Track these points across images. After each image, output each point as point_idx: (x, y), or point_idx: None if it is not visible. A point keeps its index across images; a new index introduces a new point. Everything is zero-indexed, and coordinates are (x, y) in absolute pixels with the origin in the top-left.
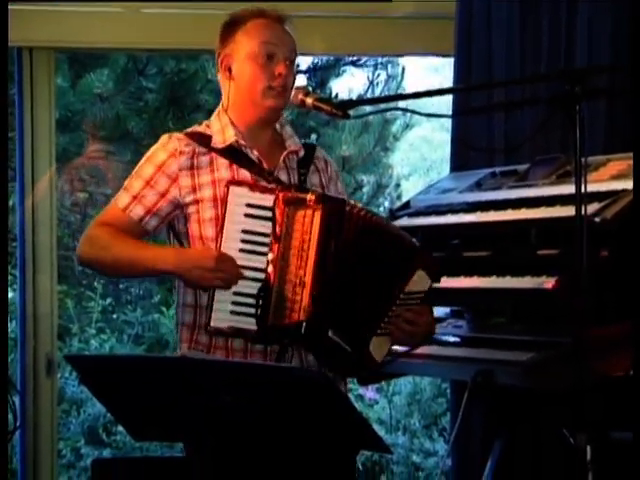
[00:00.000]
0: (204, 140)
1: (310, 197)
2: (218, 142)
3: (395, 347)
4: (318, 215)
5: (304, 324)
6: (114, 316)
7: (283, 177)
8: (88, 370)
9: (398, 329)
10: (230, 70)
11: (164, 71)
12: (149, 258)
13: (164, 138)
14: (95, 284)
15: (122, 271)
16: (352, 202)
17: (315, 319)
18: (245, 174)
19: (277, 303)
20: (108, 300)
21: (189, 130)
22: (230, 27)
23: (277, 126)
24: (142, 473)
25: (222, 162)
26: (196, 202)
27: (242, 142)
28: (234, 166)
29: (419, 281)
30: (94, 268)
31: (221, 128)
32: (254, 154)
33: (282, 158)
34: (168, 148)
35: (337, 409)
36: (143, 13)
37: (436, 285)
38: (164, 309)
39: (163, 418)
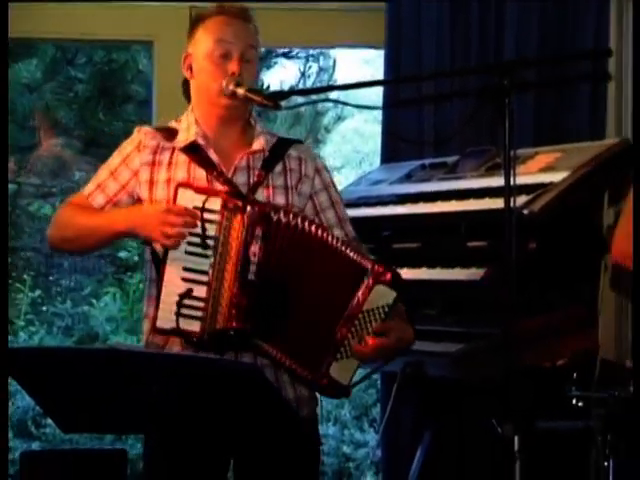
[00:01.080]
0: (170, 136)
1: (226, 203)
2: (181, 139)
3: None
4: (240, 222)
5: (237, 331)
6: (44, 308)
7: (243, 178)
8: (16, 362)
9: (363, 350)
10: (192, 69)
11: (94, 61)
12: (105, 223)
13: (135, 130)
14: (24, 276)
15: (86, 243)
16: (292, 210)
17: (245, 329)
18: (202, 174)
19: (218, 307)
20: (37, 292)
21: (161, 124)
22: (193, 25)
23: (252, 122)
24: (71, 465)
25: (182, 160)
26: (151, 200)
27: (201, 142)
28: (192, 165)
29: (380, 296)
30: (63, 248)
31: (187, 126)
32: (213, 154)
33: (241, 159)
34: (134, 141)
35: (268, 400)
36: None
37: None
38: (94, 301)
39: (93, 410)
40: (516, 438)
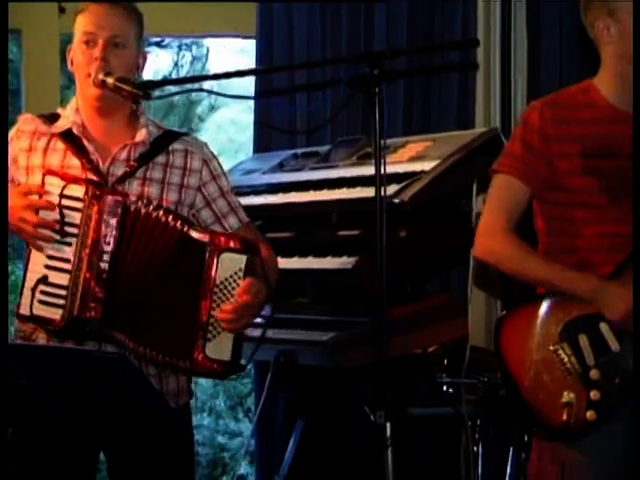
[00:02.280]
0: (49, 121)
1: (88, 192)
2: (59, 125)
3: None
4: (97, 211)
5: (89, 321)
6: None
7: (120, 170)
8: None
9: (231, 322)
10: (72, 61)
11: None
12: None
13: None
14: None
15: None
16: (152, 202)
17: (97, 319)
18: (77, 163)
19: (76, 296)
20: None
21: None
22: (74, 20)
23: (138, 114)
24: None
25: (60, 147)
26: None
27: (75, 131)
28: (68, 153)
29: (229, 264)
30: None
31: (68, 113)
32: (87, 144)
33: (120, 150)
34: (14, 128)
35: (138, 389)
36: None
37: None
38: None
39: None
40: (388, 425)
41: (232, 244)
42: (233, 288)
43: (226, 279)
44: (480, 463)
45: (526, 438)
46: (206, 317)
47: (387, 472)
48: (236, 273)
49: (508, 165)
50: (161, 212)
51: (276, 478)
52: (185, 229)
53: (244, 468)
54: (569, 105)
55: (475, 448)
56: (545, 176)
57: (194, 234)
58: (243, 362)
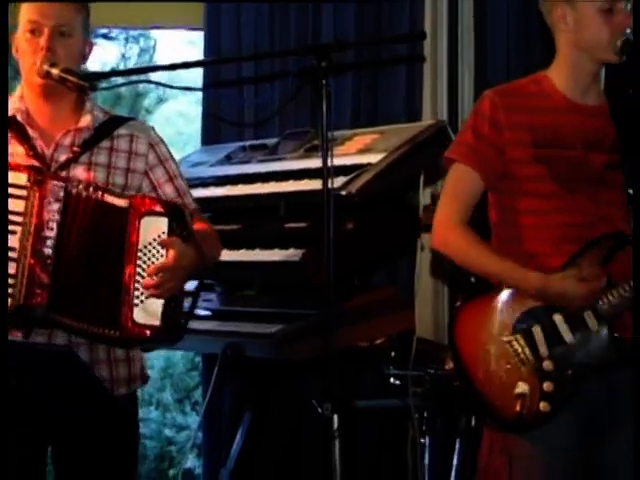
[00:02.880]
0: None
1: (30, 179)
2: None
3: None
4: (39, 197)
5: (34, 307)
6: None
7: (63, 156)
8: None
9: (153, 286)
10: (17, 48)
11: None
12: None
13: None
14: None
15: None
16: (94, 185)
17: (42, 305)
18: (21, 150)
19: (24, 282)
20: None
21: None
22: (18, 10)
23: (84, 99)
24: None
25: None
26: None
27: (19, 118)
28: (13, 141)
29: (153, 228)
30: None
31: (14, 100)
32: (31, 131)
33: (64, 136)
34: None
35: (80, 382)
36: None
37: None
38: None
39: None
40: (335, 417)
41: (153, 207)
42: (158, 252)
43: (150, 243)
44: (427, 455)
45: (473, 429)
46: (131, 283)
47: (334, 464)
48: (159, 236)
49: (459, 153)
50: (100, 193)
51: (223, 471)
52: (106, 197)
53: (191, 461)
54: (521, 94)
55: (422, 440)
56: (497, 164)
57: (115, 200)
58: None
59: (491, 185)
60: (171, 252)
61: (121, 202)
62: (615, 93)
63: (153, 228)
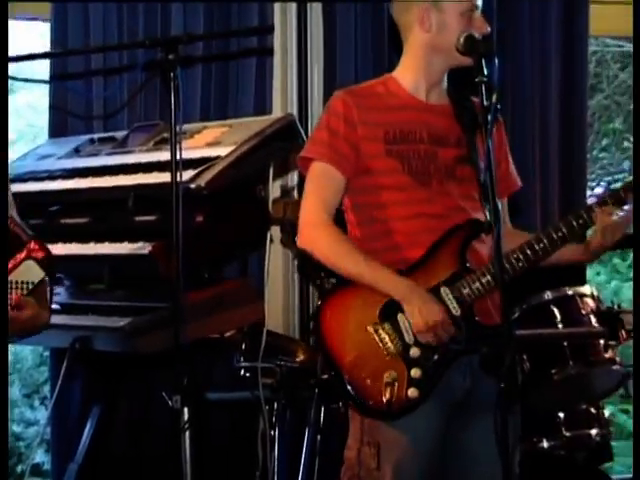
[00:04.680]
0: None
1: None
2: None
3: None
4: None
5: None
6: None
7: None
8: None
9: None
10: None
11: None
12: None
13: None
14: None
15: None
16: None
17: None
18: None
19: None
20: None
21: None
22: None
23: None
24: None
25: None
26: None
27: None
28: None
29: (29, 272)
30: None
31: None
32: None
33: None
34: None
35: None
36: None
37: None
38: None
39: None
40: (185, 409)
41: (40, 255)
42: (16, 291)
43: (17, 281)
44: (277, 446)
45: (322, 420)
46: None
47: (184, 457)
48: (27, 283)
49: (315, 151)
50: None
51: (71, 465)
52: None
53: (40, 456)
54: (369, 94)
55: (272, 432)
56: (353, 160)
57: (17, 230)
58: None
59: (349, 184)
60: (26, 310)
61: (23, 235)
62: (457, 95)
63: (29, 272)
